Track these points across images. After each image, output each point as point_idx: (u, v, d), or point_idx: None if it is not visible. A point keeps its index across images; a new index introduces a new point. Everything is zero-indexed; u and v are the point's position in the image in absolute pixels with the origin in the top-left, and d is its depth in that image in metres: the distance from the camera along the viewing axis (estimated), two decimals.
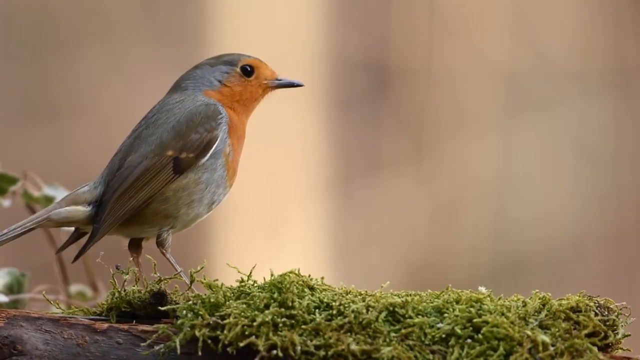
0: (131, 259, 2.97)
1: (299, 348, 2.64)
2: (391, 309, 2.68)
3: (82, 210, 2.96)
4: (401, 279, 6.55)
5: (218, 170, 2.99)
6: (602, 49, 6.80)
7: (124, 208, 2.92)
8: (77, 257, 2.99)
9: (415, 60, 6.80)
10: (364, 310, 2.67)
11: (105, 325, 2.73)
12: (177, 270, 2.87)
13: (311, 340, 2.64)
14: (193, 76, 3.09)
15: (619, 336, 2.69)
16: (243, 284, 2.74)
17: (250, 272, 2.76)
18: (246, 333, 2.65)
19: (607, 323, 2.68)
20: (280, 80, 3.12)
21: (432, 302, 2.70)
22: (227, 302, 2.68)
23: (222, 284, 2.74)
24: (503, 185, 6.84)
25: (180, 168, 2.95)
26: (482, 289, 2.74)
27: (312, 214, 6.64)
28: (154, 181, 2.93)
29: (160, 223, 2.96)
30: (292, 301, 2.68)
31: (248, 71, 3.10)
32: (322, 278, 2.77)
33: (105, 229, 2.92)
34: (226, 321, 2.66)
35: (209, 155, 2.97)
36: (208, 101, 3.03)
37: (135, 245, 3.03)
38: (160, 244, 2.98)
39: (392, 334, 2.65)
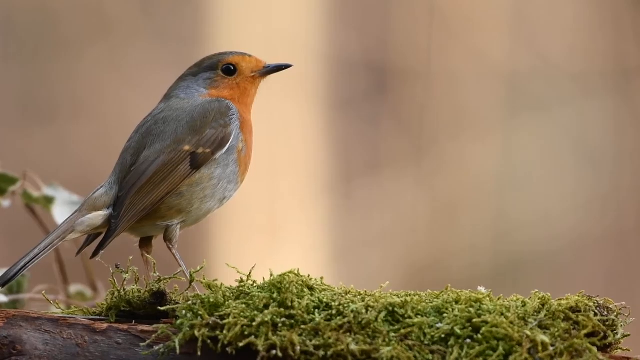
0: (131, 257, 2.96)
1: (298, 348, 2.64)
2: (390, 309, 2.68)
3: (104, 214, 2.95)
4: (401, 279, 6.55)
5: (230, 166, 2.98)
6: (602, 49, 6.80)
7: (143, 203, 2.91)
8: (95, 253, 2.96)
9: (415, 60, 6.80)
10: (364, 310, 2.67)
11: (105, 325, 2.73)
12: (181, 267, 2.87)
13: (311, 340, 2.64)
14: (180, 87, 3.08)
15: (619, 336, 2.69)
16: (242, 284, 2.74)
17: (250, 272, 2.76)
18: (245, 333, 2.65)
19: (607, 323, 2.68)
20: (268, 66, 3.10)
21: (431, 302, 2.70)
22: (227, 302, 2.68)
23: (221, 284, 2.74)
24: (503, 185, 6.83)
25: (197, 163, 2.94)
26: (482, 289, 2.74)
27: (312, 214, 6.63)
28: (171, 176, 2.92)
29: (173, 217, 2.96)
30: (292, 301, 2.68)
31: (231, 70, 3.08)
32: (322, 278, 2.77)
33: (125, 224, 2.91)
34: (226, 321, 2.66)
35: (224, 150, 2.96)
36: (219, 98, 3.03)
37: (145, 244, 3.03)
38: (167, 238, 2.97)
39: (392, 334, 2.65)
